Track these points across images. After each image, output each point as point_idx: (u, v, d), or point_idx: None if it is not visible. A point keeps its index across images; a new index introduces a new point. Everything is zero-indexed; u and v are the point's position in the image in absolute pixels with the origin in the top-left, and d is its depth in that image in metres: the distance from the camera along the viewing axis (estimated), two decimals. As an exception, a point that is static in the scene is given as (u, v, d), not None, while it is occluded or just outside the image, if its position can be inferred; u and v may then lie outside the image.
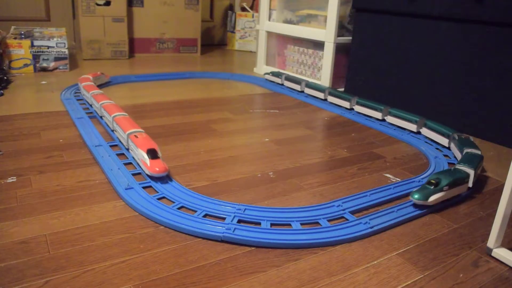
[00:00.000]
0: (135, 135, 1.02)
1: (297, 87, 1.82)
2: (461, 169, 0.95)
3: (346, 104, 1.59)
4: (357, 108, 1.55)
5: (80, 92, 1.59)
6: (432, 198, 0.86)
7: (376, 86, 1.68)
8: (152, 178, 0.92)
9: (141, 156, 0.94)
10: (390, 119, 1.43)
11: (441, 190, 0.88)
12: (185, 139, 1.21)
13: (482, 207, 0.91)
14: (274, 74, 1.97)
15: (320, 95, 1.71)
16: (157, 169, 0.91)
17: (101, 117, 1.28)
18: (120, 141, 1.12)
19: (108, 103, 1.26)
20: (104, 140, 1.12)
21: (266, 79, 2.00)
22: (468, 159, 0.99)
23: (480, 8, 1.29)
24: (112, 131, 1.16)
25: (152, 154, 0.93)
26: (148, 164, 0.92)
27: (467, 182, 0.94)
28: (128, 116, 1.16)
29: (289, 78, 1.88)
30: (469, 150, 1.06)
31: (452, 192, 0.91)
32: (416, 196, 0.87)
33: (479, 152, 1.05)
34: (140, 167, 0.97)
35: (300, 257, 0.70)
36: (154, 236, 0.74)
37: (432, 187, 0.88)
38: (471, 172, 0.94)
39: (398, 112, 1.40)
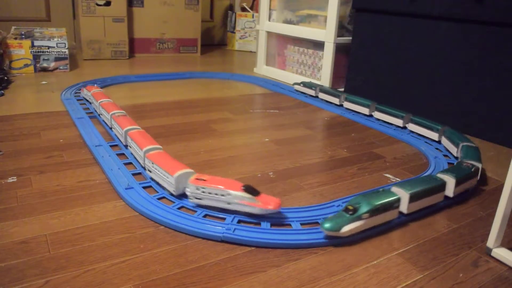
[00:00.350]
0: (200, 179, 0.83)
1: (335, 100, 1.63)
2: (393, 191, 0.81)
3: (398, 122, 1.40)
4: (411, 126, 1.35)
5: (79, 93, 1.59)
6: (346, 229, 0.72)
7: (376, 86, 1.68)
8: (262, 216, 0.80)
9: (239, 198, 0.79)
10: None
11: (359, 218, 0.74)
12: (185, 139, 1.21)
13: (482, 207, 0.91)
14: (306, 85, 1.77)
15: (365, 110, 1.51)
16: (273, 203, 0.78)
17: (126, 146, 1.10)
18: (154, 181, 0.93)
19: (137, 131, 1.06)
20: (104, 140, 1.12)
21: (296, 90, 1.83)
22: (418, 181, 0.85)
23: (480, 8, 1.29)
24: (144, 168, 0.97)
25: (252, 190, 0.80)
26: (258, 202, 0.78)
27: (397, 207, 0.80)
28: (164, 152, 0.94)
29: (325, 90, 1.69)
30: (441, 174, 0.90)
31: (376, 220, 0.77)
32: (326, 225, 0.72)
33: (444, 177, 0.89)
34: (238, 210, 0.80)
35: (300, 257, 0.70)
36: (154, 236, 0.74)
37: (348, 215, 0.73)
38: (405, 196, 0.80)
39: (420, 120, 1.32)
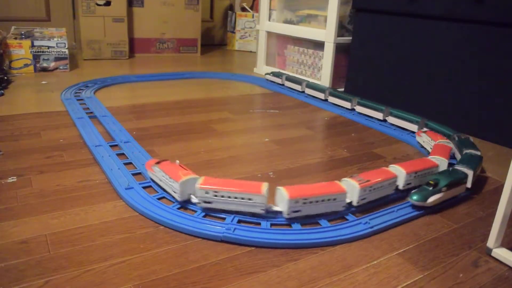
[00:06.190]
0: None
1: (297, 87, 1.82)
2: (460, 169, 0.95)
3: (347, 104, 1.59)
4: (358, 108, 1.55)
5: (80, 92, 1.59)
6: (431, 199, 0.86)
7: (376, 86, 1.68)
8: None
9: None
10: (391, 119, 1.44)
11: (439, 191, 0.88)
12: (185, 139, 1.21)
13: (482, 207, 0.91)
14: (275, 74, 1.96)
15: (321, 95, 1.71)
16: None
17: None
18: None
19: None
20: (104, 140, 1.12)
21: (267, 79, 2.00)
22: (467, 160, 0.99)
23: (480, 8, 1.29)
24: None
25: None
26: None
27: (466, 182, 0.94)
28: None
29: (290, 79, 1.88)
30: (468, 150, 1.06)
31: (451, 193, 0.91)
32: (414, 197, 0.87)
33: (478, 153, 1.05)
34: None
35: (300, 257, 0.70)
36: (154, 236, 0.74)
37: (430, 188, 0.88)
38: (470, 173, 0.94)
39: (399, 113, 1.41)
